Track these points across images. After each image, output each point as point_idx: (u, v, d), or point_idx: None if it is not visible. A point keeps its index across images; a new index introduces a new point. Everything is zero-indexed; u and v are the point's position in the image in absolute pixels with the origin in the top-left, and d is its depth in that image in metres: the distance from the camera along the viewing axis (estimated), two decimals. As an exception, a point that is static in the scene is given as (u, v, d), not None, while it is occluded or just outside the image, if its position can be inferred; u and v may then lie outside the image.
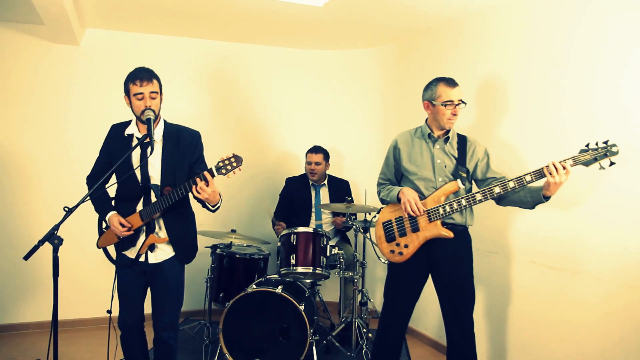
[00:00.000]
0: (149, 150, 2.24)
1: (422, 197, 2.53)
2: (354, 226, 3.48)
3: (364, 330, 3.44)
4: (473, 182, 2.63)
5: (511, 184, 2.32)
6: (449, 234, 2.46)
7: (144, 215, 2.33)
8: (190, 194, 2.26)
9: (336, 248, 3.33)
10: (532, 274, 2.88)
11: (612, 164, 2.16)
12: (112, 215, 2.37)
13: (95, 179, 2.42)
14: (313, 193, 4.06)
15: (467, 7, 3.24)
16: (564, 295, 2.69)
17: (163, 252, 2.41)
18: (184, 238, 2.46)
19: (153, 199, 2.34)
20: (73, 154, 3.89)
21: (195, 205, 2.50)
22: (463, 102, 2.50)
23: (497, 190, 2.35)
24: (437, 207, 2.47)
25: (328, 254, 3.26)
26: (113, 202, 2.47)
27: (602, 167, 2.18)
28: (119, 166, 2.24)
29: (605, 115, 2.50)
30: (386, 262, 2.75)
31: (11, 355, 3.30)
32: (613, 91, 2.47)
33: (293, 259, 3.17)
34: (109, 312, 2.43)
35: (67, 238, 2.19)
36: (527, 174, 2.27)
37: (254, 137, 4.53)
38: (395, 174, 2.72)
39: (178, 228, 2.41)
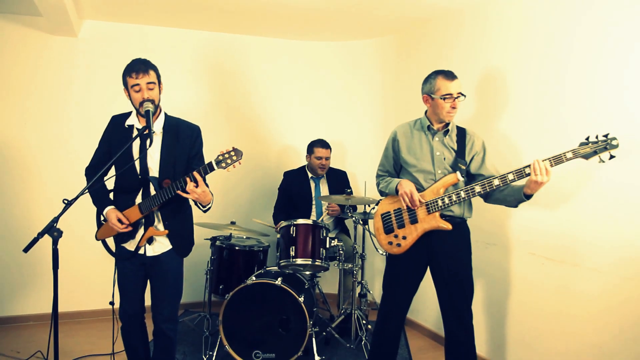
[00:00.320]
0: (148, 142, 2.23)
1: (421, 189, 2.53)
2: (354, 218, 3.48)
3: (364, 321, 3.45)
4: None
5: (496, 182, 2.34)
6: (448, 226, 2.46)
7: (143, 208, 2.32)
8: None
9: (335, 240, 3.33)
10: (531, 266, 2.89)
11: (612, 157, 2.16)
12: (109, 210, 2.35)
13: (95, 170, 2.40)
14: (312, 186, 4.06)
15: (468, -2, 3.22)
16: (563, 288, 2.70)
17: (161, 245, 2.41)
18: (182, 231, 2.46)
19: (152, 192, 2.33)
20: (72, 146, 3.88)
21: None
22: (462, 94, 2.49)
23: (496, 182, 2.35)
24: (435, 199, 2.46)
25: (327, 246, 3.26)
26: (111, 195, 2.46)
27: (601, 160, 2.18)
28: (119, 157, 2.23)
29: (605, 109, 2.49)
30: (384, 253, 2.75)
31: (11, 347, 3.31)
32: (614, 84, 2.46)
33: (292, 250, 3.17)
34: (112, 303, 2.46)
35: (67, 230, 2.19)
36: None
37: (252, 129, 4.52)
38: (394, 165, 2.72)
39: (176, 221, 2.41)
